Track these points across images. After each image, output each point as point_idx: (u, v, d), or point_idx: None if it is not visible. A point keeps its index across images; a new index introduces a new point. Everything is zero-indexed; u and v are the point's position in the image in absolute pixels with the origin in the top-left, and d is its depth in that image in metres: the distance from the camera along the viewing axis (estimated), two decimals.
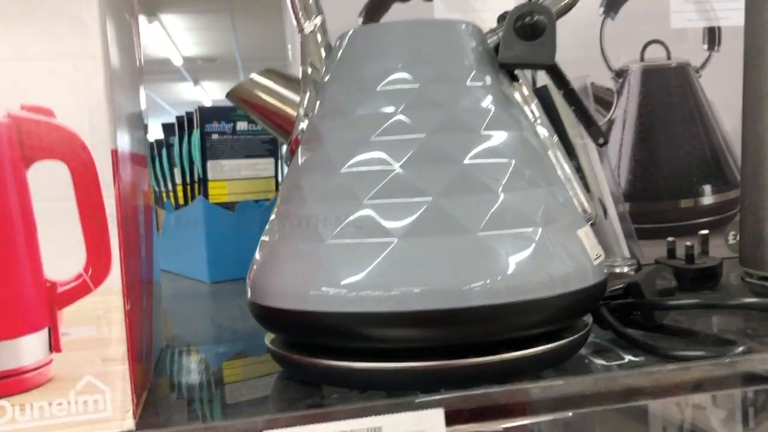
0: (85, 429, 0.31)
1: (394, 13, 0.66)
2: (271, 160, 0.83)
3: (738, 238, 0.53)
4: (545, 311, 0.34)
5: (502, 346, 0.34)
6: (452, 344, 0.33)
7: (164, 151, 0.93)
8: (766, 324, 0.43)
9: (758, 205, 0.49)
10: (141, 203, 0.39)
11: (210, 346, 0.51)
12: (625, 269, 0.55)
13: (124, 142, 0.34)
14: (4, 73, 0.29)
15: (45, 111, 0.30)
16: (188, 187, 0.85)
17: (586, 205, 0.39)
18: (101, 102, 0.30)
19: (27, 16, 0.30)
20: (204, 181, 0.80)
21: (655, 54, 0.69)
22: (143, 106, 0.44)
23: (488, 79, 0.38)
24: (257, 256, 0.38)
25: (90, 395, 0.31)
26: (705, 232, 0.59)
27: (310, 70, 0.40)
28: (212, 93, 6.33)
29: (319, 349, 0.35)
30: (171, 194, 0.92)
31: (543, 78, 0.44)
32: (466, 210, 0.33)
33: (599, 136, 0.41)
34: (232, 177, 0.81)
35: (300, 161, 0.38)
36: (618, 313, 0.42)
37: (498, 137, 0.36)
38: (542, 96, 0.43)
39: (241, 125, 0.81)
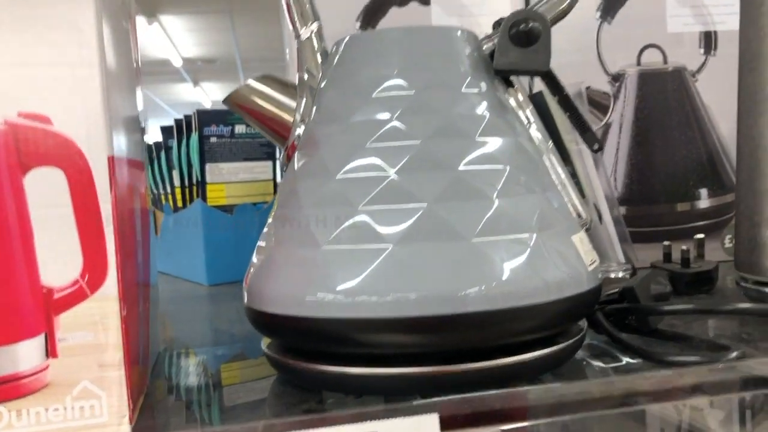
0: None
1: (391, 18, 0.67)
2: (269, 163, 0.83)
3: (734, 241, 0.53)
4: (540, 317, 0.34)
5: (497, 351, 0.34)
6: (448, 350, 0.33)
7: (163, 154, 0.93)
8: (761, 328, 0.43)
9: (753, 210, 0.49)
10: (138, 206, 0.39)
11: (208, 348, 0.51)
12: (620, 274, 0.55)
13: (121, 147, 0.34)
14: (1, 81, 0.30)
15: (42, 118, 0.30)
16: (187, 190, 0.85)
17: (581, 210, 0.39)
18: (98, 109, 0.31)
19: (24, 23, 0.30)
20: (202, 184, 0.81)
21: (652, 58, 0.69)
22: (140, 107, 0.44)
23: (483, 86, 0.39)
24: (253, 261, 0.39)
25: (86, 401, 0.31)
26: (701, 236, 0.59)
27: (306, 76, 0.41)
28: (212, 94, 6.33)
29: (315, 355, 0.35)
30: (169, 197, 0.92)
31: (540, 84, 0.44)
32: (461, 216, 0.34)
33: (594, 142, 0.41)
34: (230, 180, 0.81)
35: (296, 167, 0.39)
36: (613, 318, 0.42)
37: (493, 143, 0.36)
38: (537, 102, 0.43)
39: (240, 128, 0.81)
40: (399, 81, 0.38)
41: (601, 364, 0.38)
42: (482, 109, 0.37)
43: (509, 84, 0.40)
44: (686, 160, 0.69)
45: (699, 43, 0.69)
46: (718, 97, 0.69)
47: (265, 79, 0.41)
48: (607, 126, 0.69)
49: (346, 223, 0.34)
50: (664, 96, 0.69)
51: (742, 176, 0.51)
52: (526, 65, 0.38)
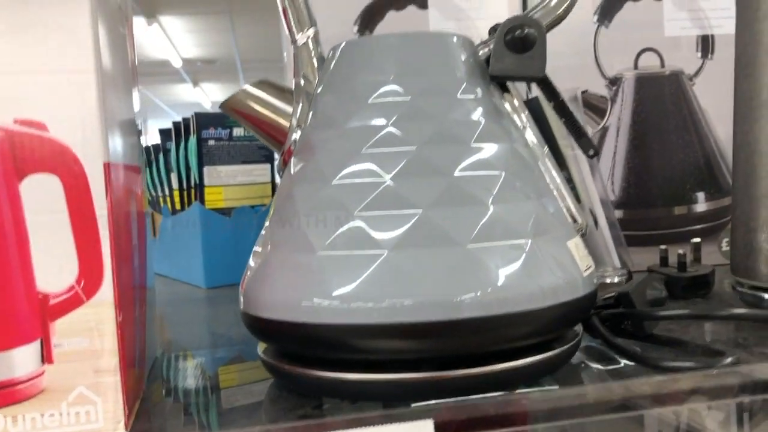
0: None
1: (389, 21, 0.67)
2: (267, 166, 0.83)
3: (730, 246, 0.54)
4: (535, 323, 0.34)
5: (492, 357, 0.34)
6: (443, 356, 0.33)
7: (161, 156, 0.93)
8: (757, 333, 0.43)
9: (749, 216, 0.50)
10: (134, 210, 0.39)
11: (205, 351, 0.51)
12: (616, 279, 0.55)
13: (117, 151, 0.34)
14: None
15: (37, 125, 0.30)
16: (185, 193, 0.86)
17: (576, 215, 0.39)
18: (94, 115, 0.31)
19: (20, 30, 0.30)
20: (200, 186, 0.81)
21: (649, 62, 0.69)
22: (137, 108, 0.44)
23: (479, 92, 0.39)
24: (249, 265, 0.39)
25: (82, 406, 0.31)
26: (697, 240, 0.59)
27: (302, 82, 0.41)
28: (211, 94, 6.34)
29: (311, 360, 0.36)
30: (168, 199, 0.92)
31: (536, 89, 0.44)
32: (457, 222, 0.34)
33: (589, 147, 0.41)
34: (228, 183, 0.81)
35: (292, 172, 0.39)
36: (609, 323, 0.42)
37: (488, 149, 0.36)
38: (533, 107, 0.43)
39: (238, 131, 0.81)
40: (395, 87, 0.38)
41: (599, 366, 0.38)
42: (478, 114, 0.38)
43: (505, 89, 0.40)
44: (683, 163, 0.69)
45: (696, 46, 0.69)
46: (715, 100, 0.69)
47: (261, 84, 0.41)
48: (605, 129, 0.69)
49: (342, 229, 0.34)
50: (661, 99, 0.69)
51: (738, 182, 0.51)
52: (521, 71, 0.38)
